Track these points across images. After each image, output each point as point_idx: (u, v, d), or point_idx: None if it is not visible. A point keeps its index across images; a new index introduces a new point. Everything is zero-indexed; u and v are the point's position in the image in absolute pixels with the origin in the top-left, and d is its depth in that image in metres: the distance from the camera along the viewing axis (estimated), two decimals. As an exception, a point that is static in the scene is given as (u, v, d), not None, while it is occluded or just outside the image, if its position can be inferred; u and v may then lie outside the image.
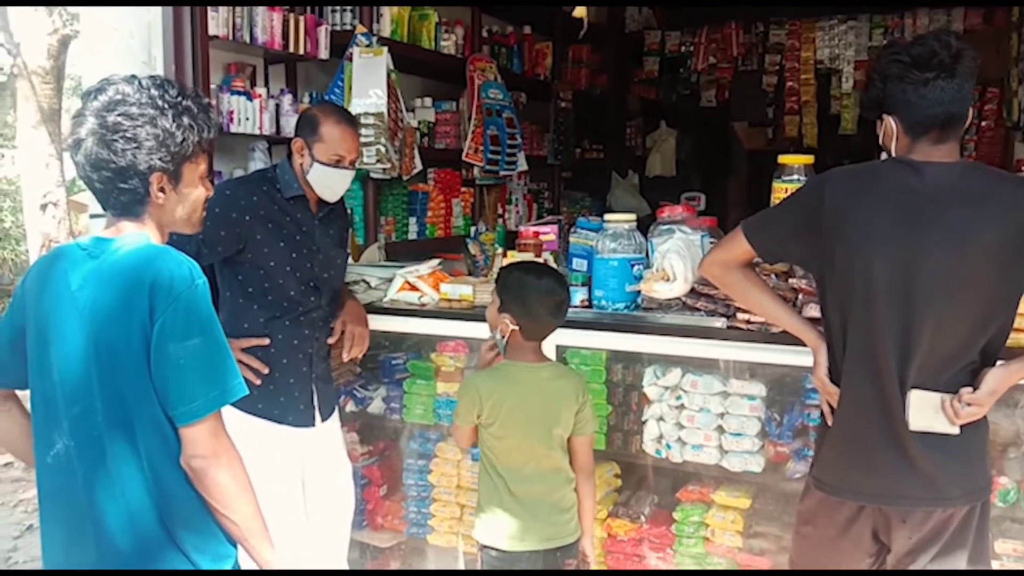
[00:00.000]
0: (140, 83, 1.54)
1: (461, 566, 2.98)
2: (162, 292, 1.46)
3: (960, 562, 1.80)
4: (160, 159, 1.53)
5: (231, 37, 3.09)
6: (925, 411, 1.74)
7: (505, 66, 4.82)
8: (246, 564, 1.63)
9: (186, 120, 1.55)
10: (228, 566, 1.60)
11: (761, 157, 7.06)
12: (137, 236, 1.56)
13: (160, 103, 1.53)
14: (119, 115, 1.50)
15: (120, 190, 1.54)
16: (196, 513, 1.54)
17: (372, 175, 3.67)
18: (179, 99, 1.56)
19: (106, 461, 1.51)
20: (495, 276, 2.33)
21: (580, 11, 5.37)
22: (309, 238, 2.54)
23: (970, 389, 1.73)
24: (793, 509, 2.41)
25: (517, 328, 2.15)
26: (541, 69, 5.35)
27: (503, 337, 2.17)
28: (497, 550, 2.17)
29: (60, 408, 1.55)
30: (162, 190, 1.56)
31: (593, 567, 2.31)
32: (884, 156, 1.92)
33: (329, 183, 2.52)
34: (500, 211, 4.84)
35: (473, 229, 4.44)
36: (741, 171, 7.31)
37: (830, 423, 1.89)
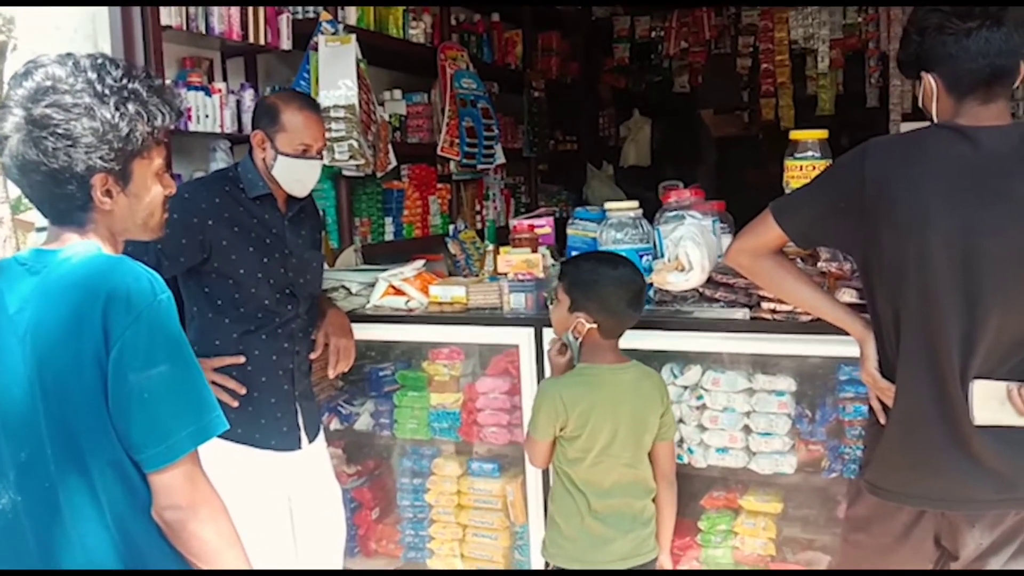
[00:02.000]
0: (75, 64, 1.27)
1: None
2: (119, 310, 1.21)
3: (1039, 566, 1.63)
4: (101, 158, 1.26)
5: (184, 27, 2.83)
6: (990, 403, 1.57)
7: (475, 55, 4.60)
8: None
9: (131, 108, 1.28)
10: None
11: (731, 144, 6.98)
12: (84, 246, 1.30)
13: (99, 88, 1.26)
14: (48, 106, 1.23)
15: (56, 196, 1.28)
16: (173, 572, 1.30)
17: (345, 172, 3.42)
18: (123, 81, 1.28)
19: (62, 516, 1.26)
20: (559, 273, 2.13)
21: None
22: (280, 240, 2.30)
23: (1041, 376, 1.55)
24: (829, 510, 2.25)
25: (595, 326, 1.96)
26: (512, 58, 5.14)
27: (578, 339, 1.97)
28: (576, 572, 2.00)
29: (4, 455, 1.29)
30: (108, 193, 1.30)
31: None
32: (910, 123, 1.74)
33: (297, 176, 2.28)
34: (478, 207, 4.62)
35: (452, 227, 4.21)
36: (710, 159, 7.19)
37: (883, 421, 1.70)
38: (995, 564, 1.64)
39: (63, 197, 1.27)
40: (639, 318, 2.05)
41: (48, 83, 1.24)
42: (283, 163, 2.24)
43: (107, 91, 1.26)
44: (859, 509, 1.80)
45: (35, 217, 2.60)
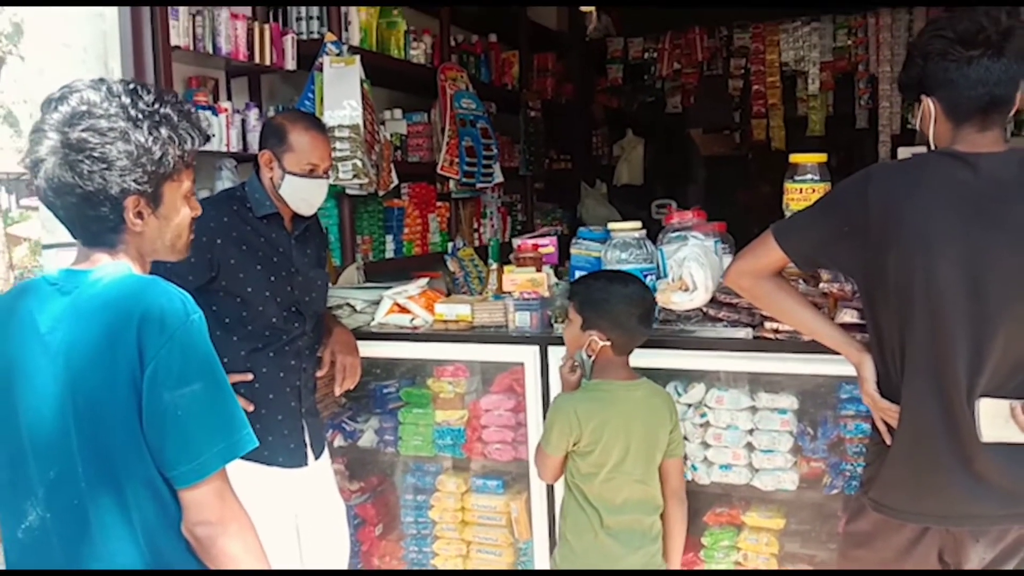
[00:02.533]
0: (109, 89, 1.30)
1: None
2: (153, 330, 1.24)
3: (1041, 580, 1.67)
4: (135, 180, 1.29)
5: (192, 47, 2.86)
6: (997, 421, 1.61)
7: (474, 75, 4.65)
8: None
9: (164, 132, 1.31)
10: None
11: (720, 162, 7.08)
12: (116, 267, 1.33)
13: (133, 113, 1.29)
14: (84, 130, 1.26)
15: (89, 218, 1.31)
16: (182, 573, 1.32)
17: (348, 191, 3.45)
18: (156, 106, 1.32)
19: (91, 533, 1.28)
20: (570, 292, 2.17)
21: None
22: (287, 259, 2.33)
23: (1045, 394, 1.60)
24: (830, 526, 2.29)
25: (608, 343, 2.00)
26: (508, 78, 5.20)
27: (591, 356, 2.01)
28: (578, 572, 2.04)
29: (32, 473, 1.31)
30: (139, 215, 1.33)
31: None
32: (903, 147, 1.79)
33: (304, 195, 2.32)
34: (476, 225, 4.66)
35: (451, 245, 4.24)
36: (699, 178, 7.28)
37: (888, 441, 1.74)
38: (999, 577, 1.69)
39: (96, 219, 1.30)
40: (650, 335, 2.09)
41: (84, 108, 1.27)
42: (290, 182, 2.27)
43: (140, 115, 1.29)
44: (861, 525, 1.83)
45: (27, 231, 2.60)
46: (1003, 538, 1.66)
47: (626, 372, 2.08)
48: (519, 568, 2.65)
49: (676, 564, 2.14)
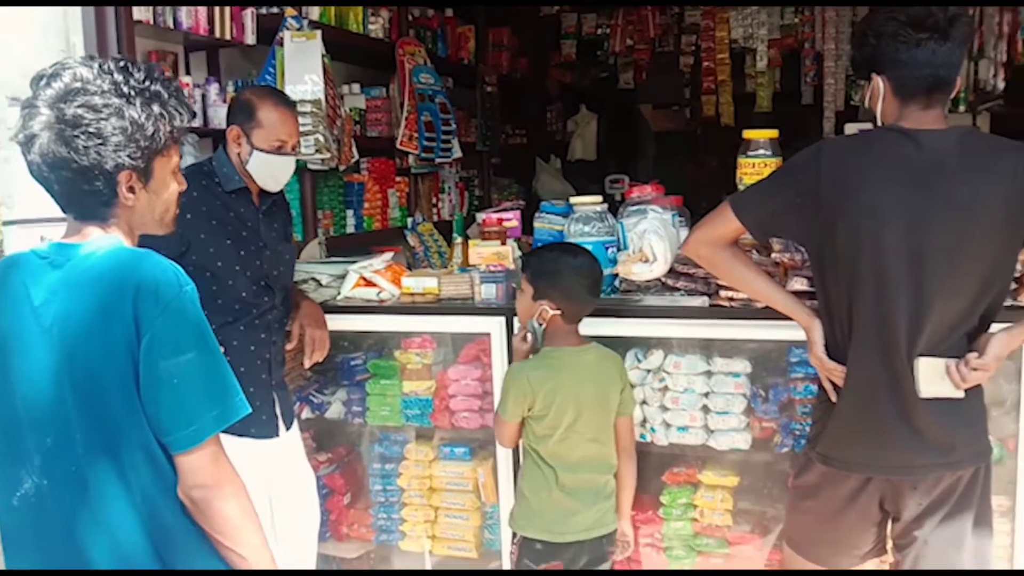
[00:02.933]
0: (100, 67, 1.33)
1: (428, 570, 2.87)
2: (148, 301, 1.29)
3: (967, 522, 1.83)
4: (129, 156, 1.33)
5: (152, 21, 2.84)
6: (933, 378, 1.75)
7: (431, 50, 4.67)
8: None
9: (156, 108, 1.36)
10: (231, 602, 1.44)
11: (670, 137, 7.22)
12: (108, 240, 1.37)
13: (125, 89, 1.33)
14: (80, 106, 1.29)
15: (83, 192, 1.34)
16: (197, 548, 1.38)
17: (310, 166, 3.47)
18: (146, 83, 1.36)
19: (89, 497, 1.33)
20: (522, 264, 2.25)
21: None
22: (255, 234, 2.37)
23: (976, 354, 1.74)
24: (781, 483, 2.43)
25: (558, 313, 2.09)
26: (465, 53, 5.23)
27: (542, 325, 2.10)
28: (543, 542, 2.13)
29: (27, 441, 1.35)
30: (131, 190, 1.37)
31: (631, 547, 2.31)
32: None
33: (272, 171, 2.35)
34: (434, 200, 4.70)
35: (410, 220, 4.29)
36: (649, 152, 7.42)
37: (834, 399, 1.87)
38: (931, 523, 1.83)
39: (91, 193, 1.33)
40: (599, 304, 2.19)
41: (77, 84, 1.30)
42: (258, 158, 2.30)
43: (132, 92, 1.33)
44: (808, 478, 1.96)
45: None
46: (937, 485, 1.80)
47: (576, 339, 2.17)
48: (485, 532, 2.74)
49: (626, 516, 2.27)
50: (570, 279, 2.10)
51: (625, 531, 2.28)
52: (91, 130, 1.29)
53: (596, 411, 2.14)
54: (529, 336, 2.19)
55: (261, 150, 2.30)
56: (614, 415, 2.19)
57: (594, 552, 2.15)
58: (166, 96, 1.38)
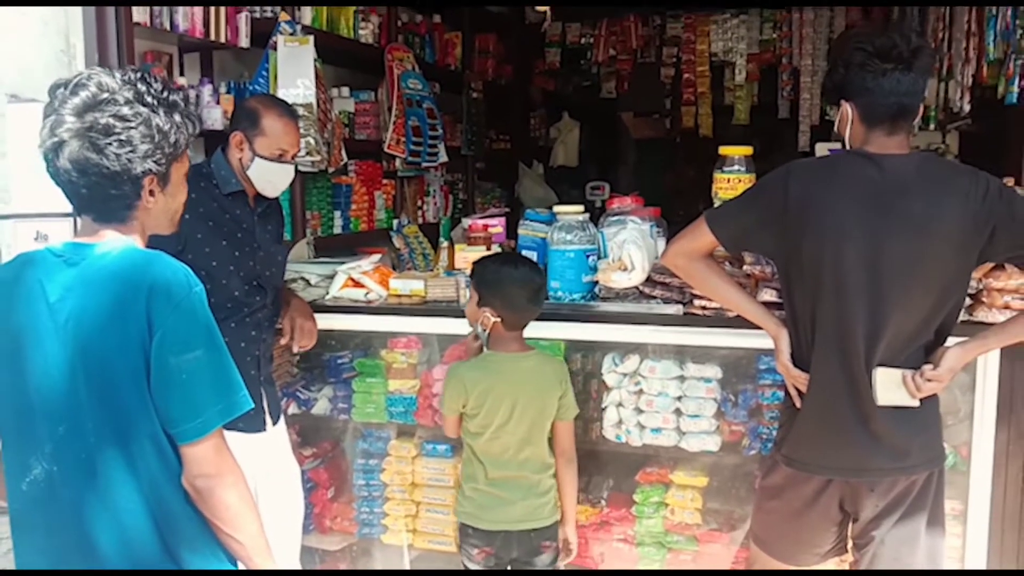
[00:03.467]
0: (122, 77, 1.42)
1: (407, 564, 2.96)
2: (160, 300, 1.37)
3: (920, 523, 1.94)
4: (155, 162, 1.43)
5: (149, 23, 2.91)
6: (890, 387, 1.86)
7: (419, 56, 4.76)
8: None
9: (177, 117, 1.45)
10: (232, 586, 1.53)
11: (650, 146, 7.36)
12: (122, 240, 1.45)
13: (149, 99, 1.42)
14: (111, 116, 1.38)
15: (110, 196, 1.42)
16: (199, 534, 1.46)
17: (300, 168, 3.54)
18: (165, 93, 1.45)
19: (98, 483, 1.41)
20: (470, 271, 2.33)
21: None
22: (250, 235, 2.44)
23: (931, 366, 1.86)
24: (748, 484, 2.54)
25: (499, 320, 2.17)
26: (452, 59, 5.32)
27: (485, 330, 2.19)
28: (474, 528, 2.26)
29: (39, 429, 1.43)
30: (151, 193, 1.46)
31: (574, 552, 2.37)
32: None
33: (271, 179, 2.43)
34: (419, 203, 4.79)
35: (396, 222, 4.37)
36: (629, 160, 7.55)
37: (798, 405, 1.99)
38: (887, 524, 1.94)
39: (116, 197, 1.42)
40: (539, 312, 2.28)
41: (105, 95, 1.38)
42: (259, 165, 2.38)
43: (156, 101, 1.42)
44: (774, 479, 2.08)
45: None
46: (892, 489, 1.92)
47: (517, 345, 2.27)
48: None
49: (571, 517, 2.35)
50: (511, 289, 2.20)
51: (569, 538, 2.35)
52: (122, 138, 1.38)
53: (531, 414, 2.22)
54: (479, 337, 2.29)
55: (263, 157, 2.37)
56: (551, 419, 2.28)
57: (524, 544, 2.26)
58: (182, 105, 1.47)
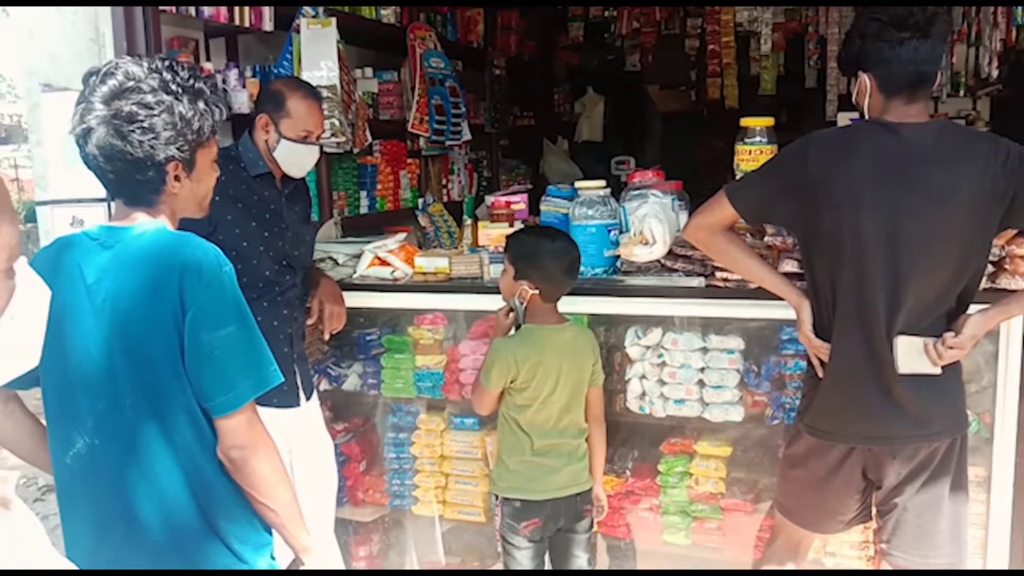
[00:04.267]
0: (149, 66, 1.47)
1: (439, 534, 3.03)
2: (192, 279, 1.43)
3: (944, 489, 1.96)
4: (178, 148, 1.48)
5: (175, 10, 2.96)
6: (911, 355, 1.88)
7: (441, 34, 4.77)
8: (281, 550, 1.63)
9: (201, 105, 1.50)
10: (267, 554, 1.60)
11: (676, 119, 7.30)
12: (154, 223, 1.51)
13: (174, 87, 1.47)
14: (135, 104, 1.43)
15: (136, 181, 1.48)
16: (235, 503, 1.53)
17: (326, 149, 3.59)
18: (191, 81, 1.50)
19: (137, 456, 1.48)
20: (505, 245, 2.37)
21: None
22: (278, 216, 2.50)
23: (952, 333, 1.87)
24: (772, 454, 2.57)
25: (537, 292, 2.21)
26: (474, 36, 5.32)
27: (523, 303, 2.22)
28: (521, 500, 2.29)
29: (81, 405, 1.50)
30: (176, 179, 1.52)
31: (605, 509, 2.46)
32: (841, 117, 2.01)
33: (297, 159, 2.48)
34: (444, 182, 4.82)
35: (421, 201, 4.41)
36: (656, 133, 7.50)
37: (820, 375, 2.01)
38: (910, 490, 1.97)
39: (142, 182, 1.47)
40: (575, 285, 2.32)
41: (131, 83, 1.43)
42: (285, 147, 2.43)
43: (180, 89, 1.47)
44: (798, 448, 2.11)
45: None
46: (915, 456, 1.94)
47: (555, 317, 2.32)
48: (492, 497, 2.89)
49: (600, 478, 2.44)
50: (548, 261, 2.23)
51: (599, 494, 2.44)
52: (145, 125, 1.43)
53: (571, 383, 2.29)
54: (511, 312, 2.33)
55: (288, 139, 2.42)
56: (587, 386, 2.34)
57: (570, 509, 2.33)
58: (208, 93, 1.51)
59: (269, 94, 2.46)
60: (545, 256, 2.23)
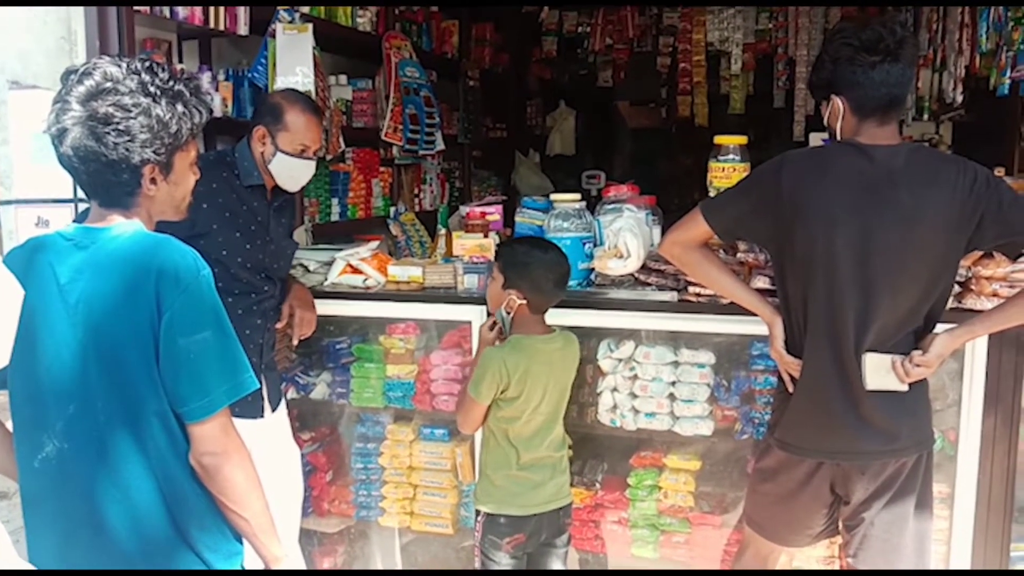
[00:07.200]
0: (128, 67, 1.44)
1: (397, 547, 3.00)
2: (169, 283, 1.41)
3: (909, 506, 1.99)
4: (154, 151, 1.45)
5: (149, 11, 2.92)
6: (879, 372, 1.91)
7: (416, 44, 4.77)
8: (252, 561, 1.60)
9: (180, 108, 1.48)
10: (238, 563, 1.57)
11: (646, 135, 7.39)
12: (130, 226, 1.48)
13: (152, 89, 1.44)
14: (111, 105, 1.40)
15: (111, 183, 1.45)
16: (206, 511, 1.50)
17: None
18: (170, 83, 1.47)
19: (108, 461, 1.45)
20: (495, 253, 2.37)
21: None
22: (264, 228, 2.47)
23: (920, 352, 1.90)
24: (741, 468, 2.59)
25: (524, 302, 2.21)
26: (449, 47, 5.33)
27: (509, 313, 2.21)
28: (506, 516, 2.25)
29: (50, 409, 1.46)
30: (153, 181, 1.49)
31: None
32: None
33: (293, 174, 2.46)
34: (416, 191, 4.81)
35: (392, 210, 4.40)
36: (626, 148, 7.59)
37: (791, 390, 2.03)
38: (877, 506, 1.99)
39: (117, 184, 1.44)
40: (564, 296, 2.31)
41: (108, 84, 1.41)
42: (282, 160, 2.40)
43: (158, 92, 1.44)
44: (767, 462, 2.13)
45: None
46: (883, 471, 1.97)
47: (542, 327, 2.30)
48: (461, 510, 2.88)
49: None
50: (539, 272, 2.22)
51: None
52: (121, 127, 1.40)
53: (556, 393, 2.28)
54: (496, 325, 2.30)
55: (285, 152, 2.39)
56: (568, 395, 2.34)
57: (552, 524, 2.30)
58: (188, 95, 1.49)
59: (267, 106, 2.43)
60: (536, 266, 2.21)
